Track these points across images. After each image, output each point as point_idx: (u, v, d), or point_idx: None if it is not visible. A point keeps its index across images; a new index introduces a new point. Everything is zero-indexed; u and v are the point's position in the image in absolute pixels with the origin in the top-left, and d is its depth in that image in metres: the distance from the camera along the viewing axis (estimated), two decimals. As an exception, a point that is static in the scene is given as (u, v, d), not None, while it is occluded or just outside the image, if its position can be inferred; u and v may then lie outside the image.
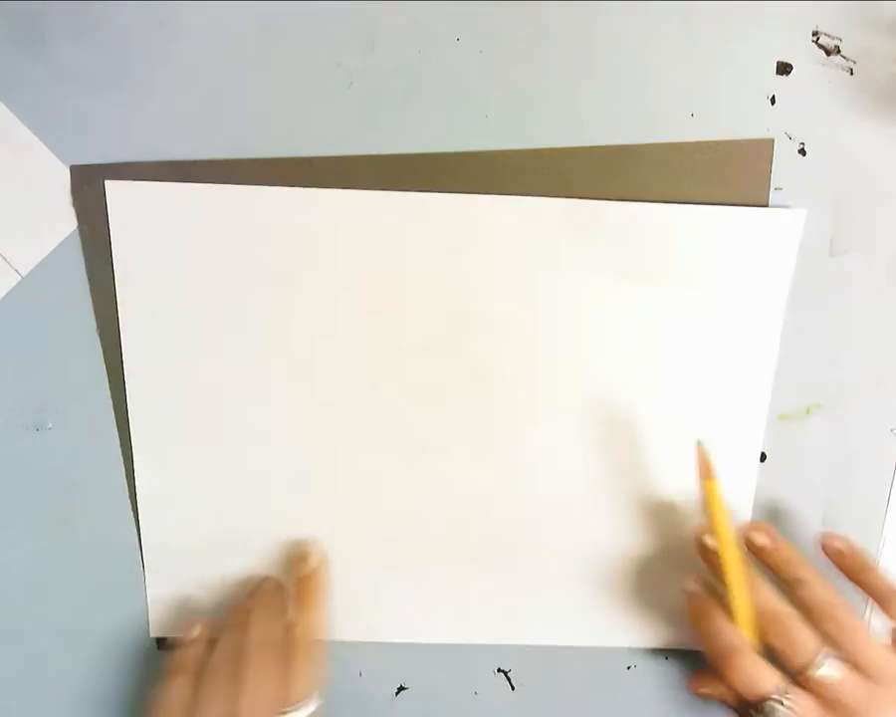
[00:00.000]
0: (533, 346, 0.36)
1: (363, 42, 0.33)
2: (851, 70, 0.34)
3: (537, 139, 0.34)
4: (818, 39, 0.33)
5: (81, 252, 0.35)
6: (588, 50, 0.33)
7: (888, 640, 0.34)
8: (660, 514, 0.37)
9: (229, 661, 0.34)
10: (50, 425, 0.36)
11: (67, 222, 0.34)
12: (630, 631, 0.39)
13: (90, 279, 0.35)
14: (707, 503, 0.34)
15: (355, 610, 0.38)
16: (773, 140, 0.34)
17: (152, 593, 0.38)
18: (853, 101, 0.34)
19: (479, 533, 0.38)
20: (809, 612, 0.33)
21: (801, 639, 0.32)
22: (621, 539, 0.38)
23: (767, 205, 0.35)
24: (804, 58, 0.33)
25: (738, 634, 0.33)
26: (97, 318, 0.35)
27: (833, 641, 0.32)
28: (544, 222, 0.34)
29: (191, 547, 0.37)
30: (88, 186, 0.34)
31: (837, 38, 0.33)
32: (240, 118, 0.34)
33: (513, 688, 0.40)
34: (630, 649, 0.40)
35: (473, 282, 0.35)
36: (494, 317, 0.35)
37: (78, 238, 0.34)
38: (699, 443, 0.34)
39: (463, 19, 0.33)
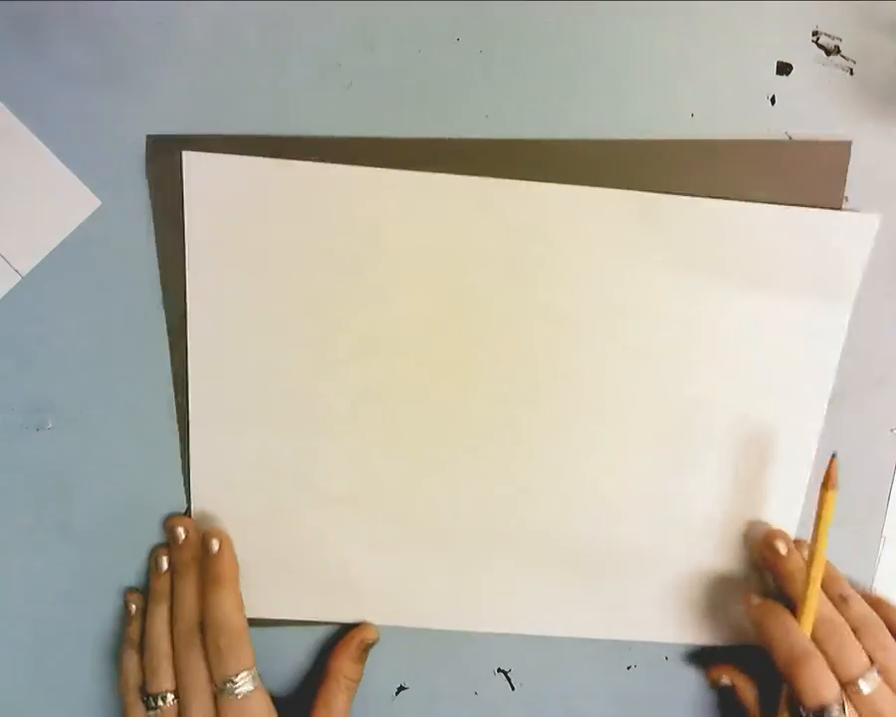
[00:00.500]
0: (593, 336, 0.36)
1: (363, 42, 0.33)
2: (851, 70, 0.34)
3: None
4: (818, 39, 0.33)
5: (82, 251, 0.35)
6: (588, 50, 0.33)
7: None
8: (702, 512, 0.38)
9: (164, 637, 0.36)
10: (50, 425, 0.36)
11: (67, 222, 0.34)
12: (664, 626, 0.39)
13: (159, 252, 0.35)
14: (820, 510, 0.34)
15: (404, 596, 0.38)
16: (849, 143, 0.34)
17: None
18: (853, 101, 0.34)
19: (527, 523, 0.38)
20: (852, 629, 0.34)
21: (854, 652, 0.33)
22: (663, 534, 0.38)
23: (840, 208, 0.35)
24: (804, 58, 0.33)
25: (809, 639, 0.33)
26: (164, 289, 0.35)
27: (869, 656, 0.33)
28: (612, 214, 0.34)
29: (241, 524, 0.37)
30: (163, 158, 0.34)
31: (837, 38, 0.33)
32: (240, 118, 0.34)
33: (513, 688, 0.40)
34: (630, 649, 0.40)
35: (539, 271, 0.35)
36: (557, 307, 0.35)
37: (77, 238, 0.34)
38: (834, 455, 0.34)
39: (463, 19, 0.33)
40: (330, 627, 0.39)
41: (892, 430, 0.38)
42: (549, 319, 0.35)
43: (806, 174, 0.34)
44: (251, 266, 0.35)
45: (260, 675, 0.35)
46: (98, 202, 0.34)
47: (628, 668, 0.40)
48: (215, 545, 0.36)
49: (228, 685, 0.34)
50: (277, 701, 0.36)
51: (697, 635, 0.39)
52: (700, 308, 0.35)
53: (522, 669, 0.40)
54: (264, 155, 0.34)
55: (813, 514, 0.34)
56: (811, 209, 0.34)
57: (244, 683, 0.34)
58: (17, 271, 0.35)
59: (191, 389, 0.36)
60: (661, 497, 0.37)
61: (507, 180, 0.34)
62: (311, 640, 0.39)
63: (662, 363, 0.36)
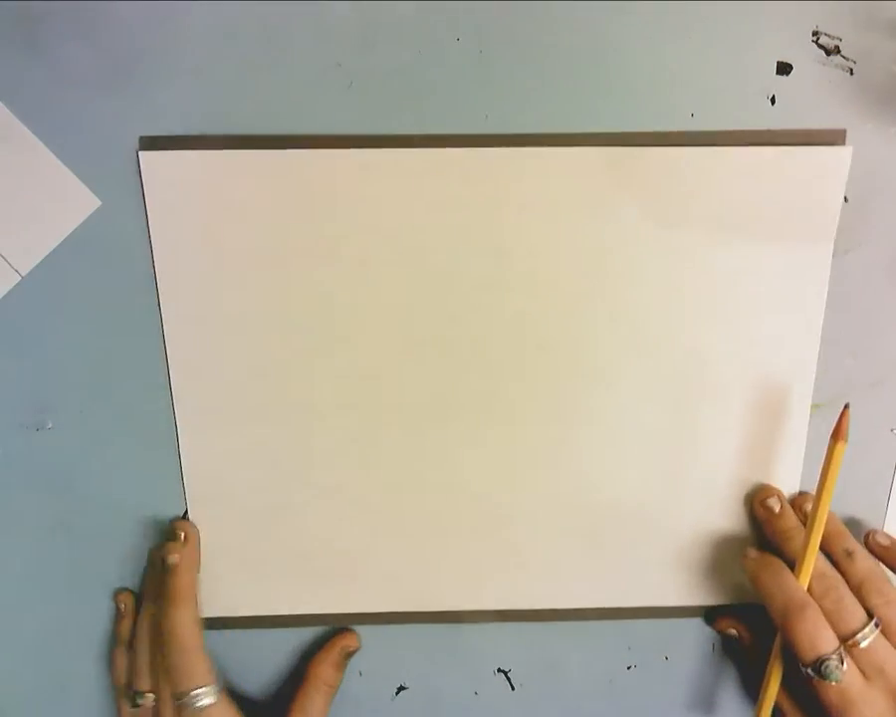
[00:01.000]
0: (578, 302, 0.35)
1: (363, 42, 0.33)
2: (851, 70, 0.34)
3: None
4: (818, 39, 0.33)
5: (82, 251, 0.35)
6: (588, 50, 0.33)
7: None
8: (703, 471, 0.37)
9: (147, 644, 0.36)
10: (50, 425, 0.36)
11: (67, 222, 0.34)
12: (668, 591, 0.39)
13: (152, 238, 0.34)
14: (827, 462, 0.34)
15: (405, 580, 0.39)
16: (845, 131, 0.34)
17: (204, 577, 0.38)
18: (853, 101, 0.34)
19: (525, 496, 0.38)
20: (854, 584, 0.34)
21: (852, 608, 0.33)
22: (664, 497, 0.38)
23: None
24: (804, 58, 0.33)
25: (805, 592, 0.34)
26: (158, 279, 0.35)
27: (874, 611, 0.33)
28: (583, 172, 0.34)
29: (237, 520, 0.38)
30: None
31: (837, 38, 0.33)
32: (239, 118, 0.34)
33: (513, 688, 0.40)
34: (630, 649, 0.40)
35: (514, 238, 0.35)
36: (539, 276, 0.35)
37: (77, 238, 0.34)
38: (846, 406, 0.34)
39: (463, 19, 0.33)
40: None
41: (892, 430, 0.38)
42: (532, 288, 0.35)
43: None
44: (223, 260, 0.34)
45: (224, 687, 0.35)
46: (98, 202, 0.34)
47: (628, 668, 0.40)
48: (174, 559, 0.35)
49: (185, 699, 0.34)
50: (254, 703, 0.36)
51: (702, 597, 0.39)
52: (681, 261, 0.35)
53: (522, 669, 0.40)
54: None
55: (819, 468, 0.34)
56: (782, 147, 0.34)
57: (201, 699, 0.34)
58: (17, 271, 0.35)
59: (174, 391, 0.36)
60: (659, 459, 0.37)
61: (475, 149, 0.33)
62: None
63: (650, 323, 0.36)
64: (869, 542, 0.36)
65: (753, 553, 0.36)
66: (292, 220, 0.34)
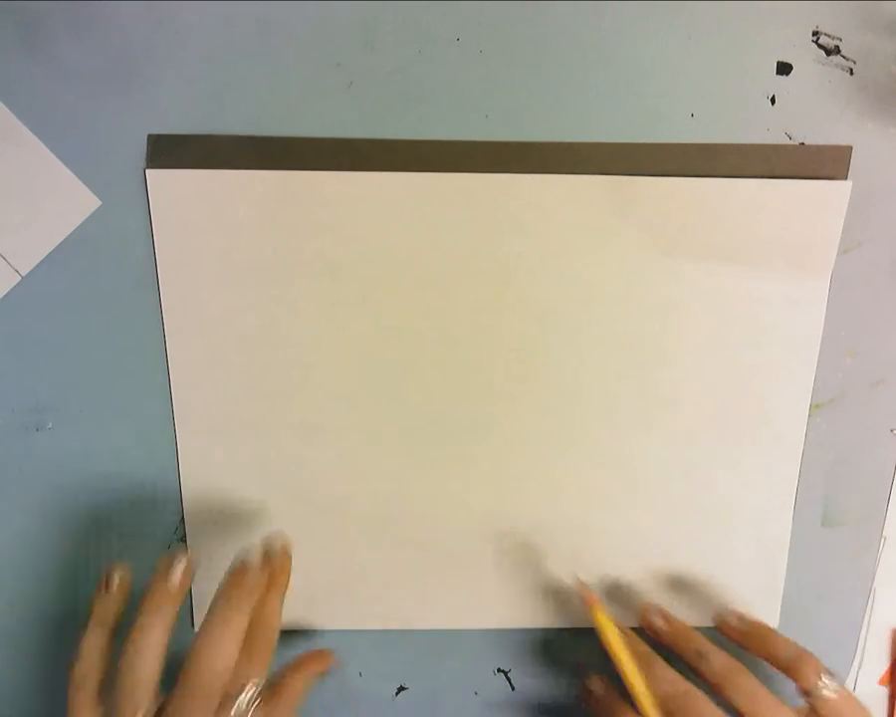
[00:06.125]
0: (574, 327, 0.36)
1: (363, 42, 0.33)
2: (851, 70, 0.34)
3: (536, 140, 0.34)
4: (818, 39, 0.33)
5: (82, 251, 0.35)
6: (588, 50, 0.33)
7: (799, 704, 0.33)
8: (695, 497, 0.38)
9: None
10: (50, 425, 0.36)
11: (67, 222, 0.34)
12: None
13: (157, 254, 0.35)
14: (598, 626, 0.34)
15: (401, 598, 0.39)
16: (850, 148, 0.34)
17: (197, 587, 0.38)
18: (853, 101, 0.34)
19: (519, 517, 0.38)
20: (713, 685, 0.33)
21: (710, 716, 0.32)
22: (655, 521, 0.38)
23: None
24: (804, 58, 0.33)
25: None
26: (162, 294, 0.35)
27: (739, 710, 0.32)
28: (584, 200, 0.34)
29: (234, 532, 0.37)
30: (163, 158, 0.34)
31: (837, 38, 0.33)
32: (239, 118, 0.34)
33: (513, 688, 0.40)
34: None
35: (515, 263, 0.35)
36: (537, 300, 0.35)
37: (77, 238, 0.34)
38: (580, 582, 0.36)
39: (463, 19, 0.33)
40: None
41: (892, 430, 0.38)
42: (529, 312, 0.35)
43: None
44: (226, 277, 0.35)
45: None
46: (98, 202, 0.34)
47: (628, 668, 0.40)
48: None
49: None
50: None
51: (695, 619, 0.39)
52: (679, 288, 0.35)
53: (522, 669, 0.40)
54: (264, 155, 0.34)
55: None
56: (782, 179, 0.34)
57: None
58: (17, 271, 0.35)
59: (174, 400, 0.36)
60: (650, 483, 0.37)
61: (477, 175, 0.34)
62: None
63: (646, 348, 0.36)
64: (722, 627, 0.35)
65: (594, 684, 0.36)
66: (293, 239, 0.34)
